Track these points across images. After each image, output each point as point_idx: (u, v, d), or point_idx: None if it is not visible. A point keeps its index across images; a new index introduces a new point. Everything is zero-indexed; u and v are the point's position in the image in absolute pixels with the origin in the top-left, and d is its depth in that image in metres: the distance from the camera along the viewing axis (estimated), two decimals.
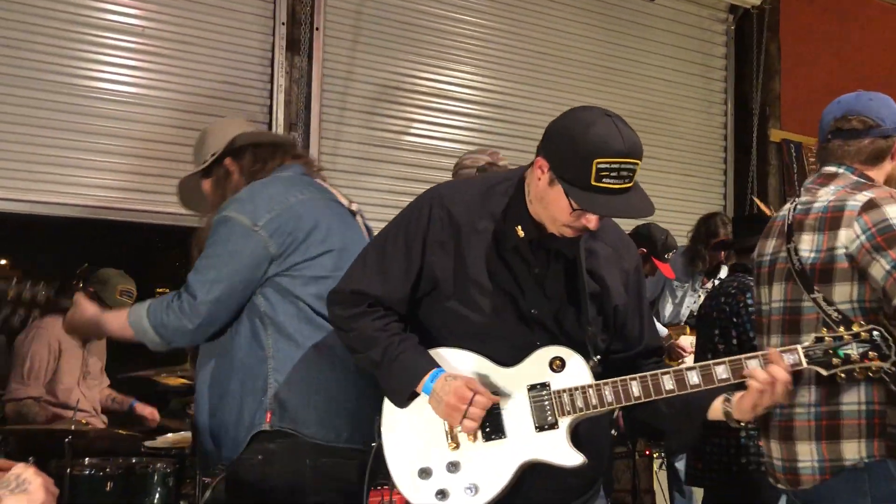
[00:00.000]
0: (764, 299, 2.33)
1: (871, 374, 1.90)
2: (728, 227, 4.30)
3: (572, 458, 1.93)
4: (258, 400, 2.27)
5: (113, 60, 3.89)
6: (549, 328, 2.00)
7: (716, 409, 1.98)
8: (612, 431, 2.10)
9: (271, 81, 4.18)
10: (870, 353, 1.87)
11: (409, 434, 2.02)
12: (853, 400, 2.09)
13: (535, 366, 1.98)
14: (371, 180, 4.43)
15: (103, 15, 3.86)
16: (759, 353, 1.91)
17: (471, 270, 2.00)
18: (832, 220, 2.12)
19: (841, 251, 2.08)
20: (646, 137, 5.53)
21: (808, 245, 2.16)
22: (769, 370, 1.87)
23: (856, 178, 2.20)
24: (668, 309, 4.73)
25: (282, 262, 2.32)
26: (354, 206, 2.63)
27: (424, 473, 1.97)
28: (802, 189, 2.30)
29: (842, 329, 1.91)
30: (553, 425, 1.94)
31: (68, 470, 2.96)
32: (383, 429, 2.05)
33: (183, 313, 2.28)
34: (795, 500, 2.24)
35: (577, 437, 1.96)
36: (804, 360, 1.90)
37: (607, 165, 1.78)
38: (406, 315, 2.09)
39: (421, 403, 1.99)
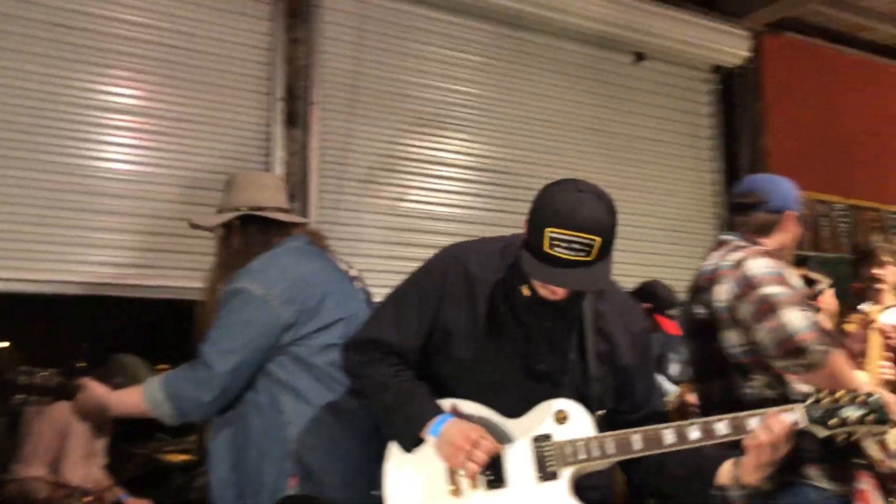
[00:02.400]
0: None
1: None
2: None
3: None
4: (280, 466, 2.27)
5: (114, 140, 3.94)
6: (557, 382, 2.05)
7: (725, 473, 1.97)
8: None
9: (270, 155, 4.27)
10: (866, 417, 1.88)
11: (410, 483, 2.03)
12: None
13: (540, 418, 2.01)
14: (370, 247, 4.49)
15: (104, 97, 3.93)
16: (760, 411, 1.93)
17: (482, 325, 2.05)
18: None
19: None
20: (636, 196, 5.57)
21: None
22: (768, 424, 1.88)
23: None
24: (675, 368, 4.71)
25: (296, 331, 2.35)
26: (354, 272, 2.69)
27: None
28: None
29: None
30: (553, 475, 1.96)
31: None
32: (386, 477, 2.06)
33: (199, 385, 2.29)
34: None
35: (581, 491, 1.97)
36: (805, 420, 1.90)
37: (558, 236, 1.83)
38: (419, 366, 2.13)
39: (425, 452, 2.01)
